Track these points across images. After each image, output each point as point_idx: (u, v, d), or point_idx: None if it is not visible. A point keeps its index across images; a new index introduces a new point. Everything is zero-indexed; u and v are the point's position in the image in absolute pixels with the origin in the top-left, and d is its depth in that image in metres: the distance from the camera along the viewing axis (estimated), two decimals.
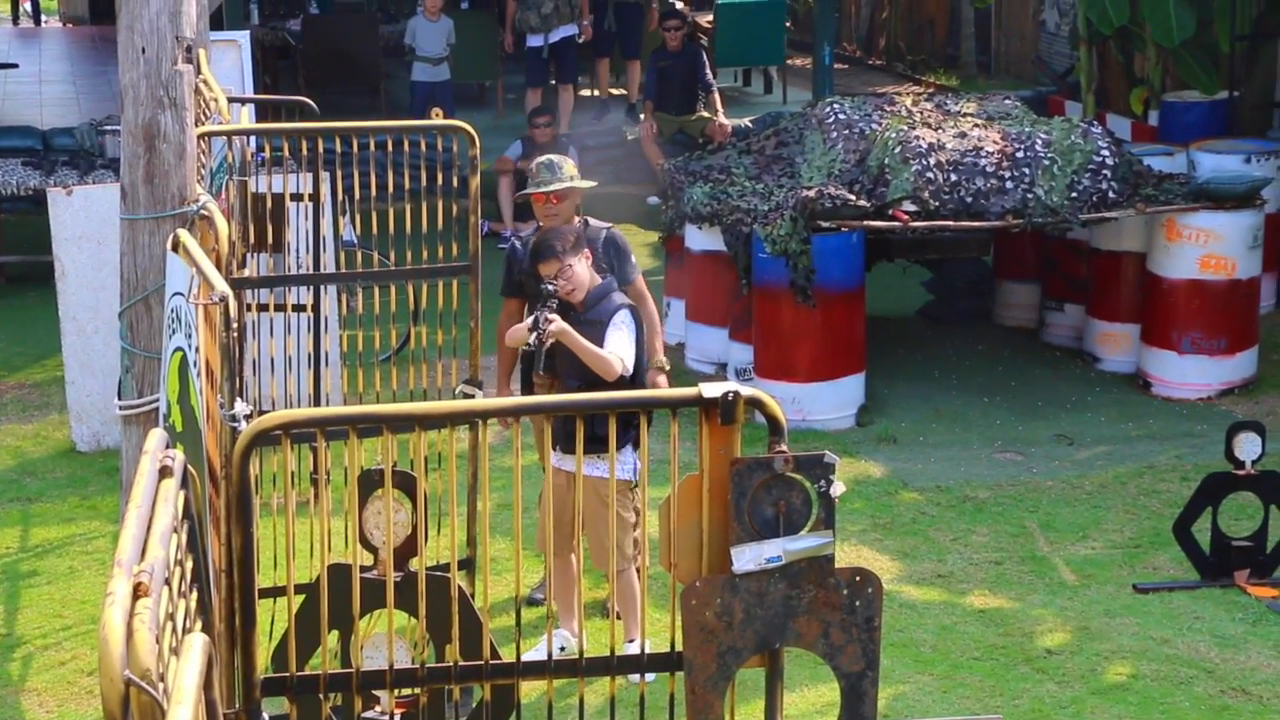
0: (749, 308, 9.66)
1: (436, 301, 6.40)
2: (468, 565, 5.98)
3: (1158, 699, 6.41)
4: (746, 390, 3.65)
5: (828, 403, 9.47)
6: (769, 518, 3.68)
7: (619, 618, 6.16)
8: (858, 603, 3.70)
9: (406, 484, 4.30)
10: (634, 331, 6.44)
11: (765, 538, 3.69)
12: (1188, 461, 8.67)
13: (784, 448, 3.72)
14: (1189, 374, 9.86)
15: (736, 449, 3.69)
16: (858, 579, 3.72)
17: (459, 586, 3.71)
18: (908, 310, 11.42)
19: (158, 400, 4.82)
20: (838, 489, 3.78)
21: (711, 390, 3.64)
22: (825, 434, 9.16)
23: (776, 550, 3.72)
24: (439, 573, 4.16)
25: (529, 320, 6.29)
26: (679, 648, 3.73)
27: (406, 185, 7.04)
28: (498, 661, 3.67)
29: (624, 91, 16.80)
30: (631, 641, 6.15)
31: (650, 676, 4.14)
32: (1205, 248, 9.81)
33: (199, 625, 2.75)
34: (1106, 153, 9.82)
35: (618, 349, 6.34)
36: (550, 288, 6.27)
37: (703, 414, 3.65)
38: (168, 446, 2.78)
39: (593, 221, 7.01)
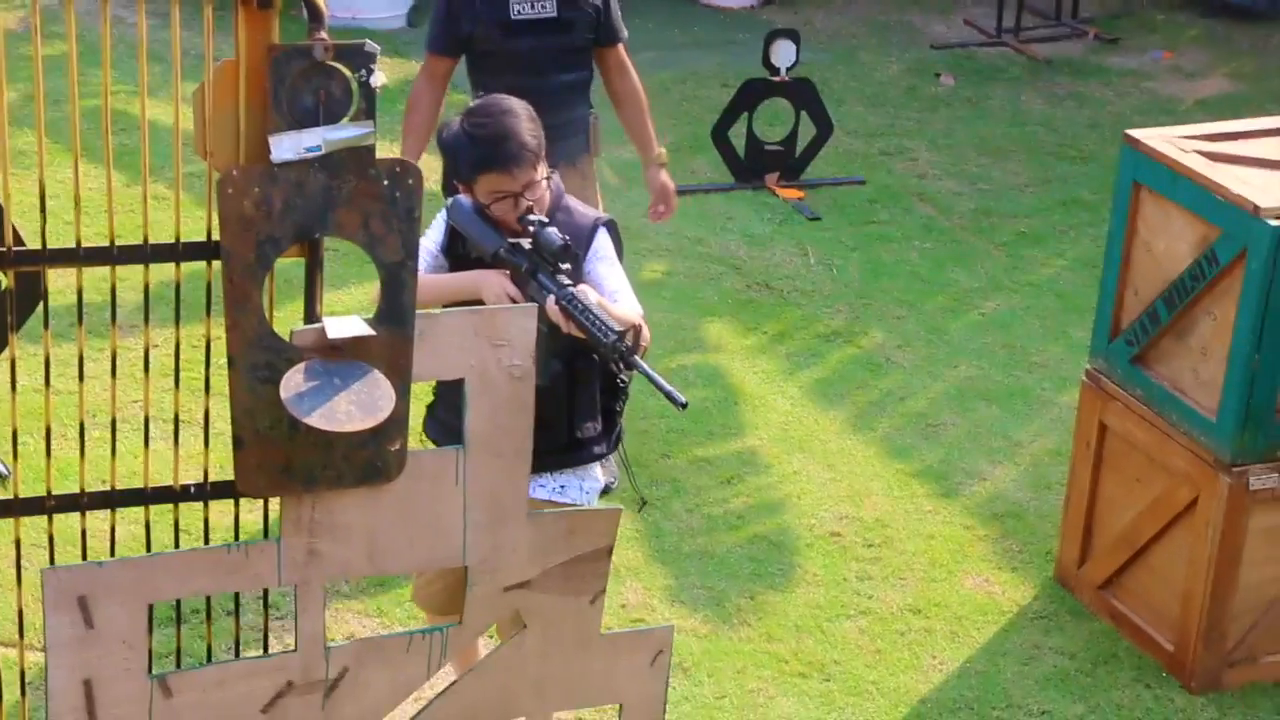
0: None
1: None
2: None
3: (690, 294, 6.75)
4: None
5: (380, 0, 9.33)
6: (308, 107, 3.61)
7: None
8: (398, 194, 3.70)
9: None
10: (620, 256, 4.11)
11: (304, 127, 3.63)
12: (729, 69, 8.92)
13: (324, 35, 3.63)
14: None
15: (274, 36, 3.59)
16: (398, 170, 3.72)
17: None
18: None
19: None
20: (379, 79, 3.73)
21: None
22: (376, 33, 8.99)
23: (316, 140, 3.66)
24: None
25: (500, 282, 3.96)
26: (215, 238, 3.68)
27: None
28: (22, 248, 3.54)
29: None
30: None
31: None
32: None
33: None
34: None
35: (627, 302, 3.92)
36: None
37: None
38: None
39: None
